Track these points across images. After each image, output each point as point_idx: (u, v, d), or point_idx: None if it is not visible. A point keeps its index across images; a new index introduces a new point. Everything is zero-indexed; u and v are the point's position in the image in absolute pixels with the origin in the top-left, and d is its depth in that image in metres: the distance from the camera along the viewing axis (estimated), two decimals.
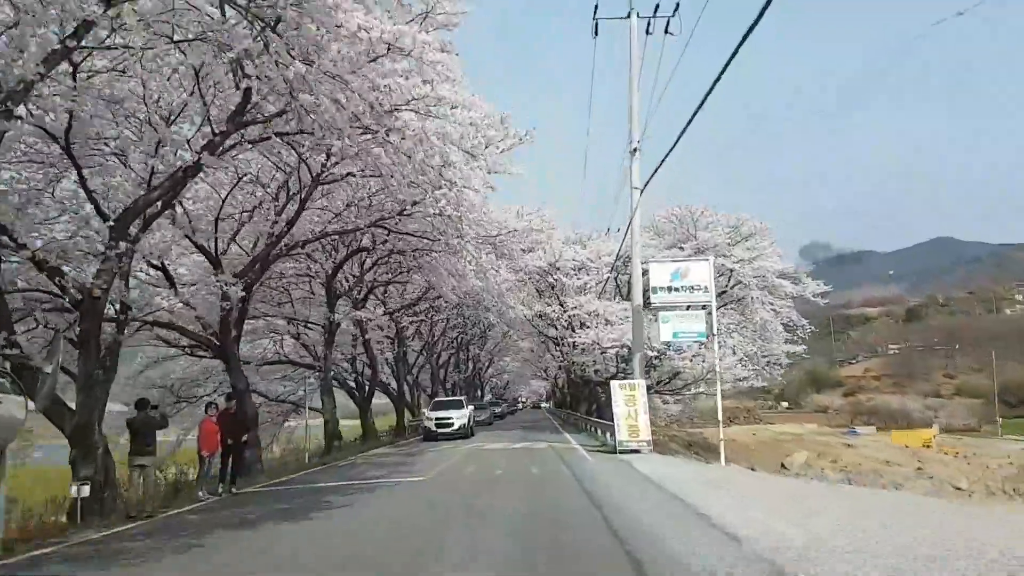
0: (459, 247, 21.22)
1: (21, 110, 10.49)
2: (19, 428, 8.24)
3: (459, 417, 29.89)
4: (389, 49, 11.21)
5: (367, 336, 29.30)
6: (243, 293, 16.50)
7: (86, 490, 11.14)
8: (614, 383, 21.51)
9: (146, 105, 13.00)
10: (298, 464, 21.67)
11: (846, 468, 31.94)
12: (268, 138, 14.03)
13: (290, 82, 9.26)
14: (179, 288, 17.72)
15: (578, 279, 36.45)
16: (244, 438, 14.84)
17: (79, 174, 12.32)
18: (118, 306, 14.07)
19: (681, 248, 33.40)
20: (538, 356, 53.45)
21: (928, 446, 46.73)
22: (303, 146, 16.61)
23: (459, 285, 25.80)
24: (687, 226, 35.34)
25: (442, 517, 10.28)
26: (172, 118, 13.51)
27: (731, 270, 33.50)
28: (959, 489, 27.72)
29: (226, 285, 15.41)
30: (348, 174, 17.58)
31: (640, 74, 22.74)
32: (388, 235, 22.44)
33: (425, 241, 21.91)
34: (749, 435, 51.74)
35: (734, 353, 32.54)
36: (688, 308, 21.66)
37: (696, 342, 25.66)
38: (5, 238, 11.49)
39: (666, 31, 22.40)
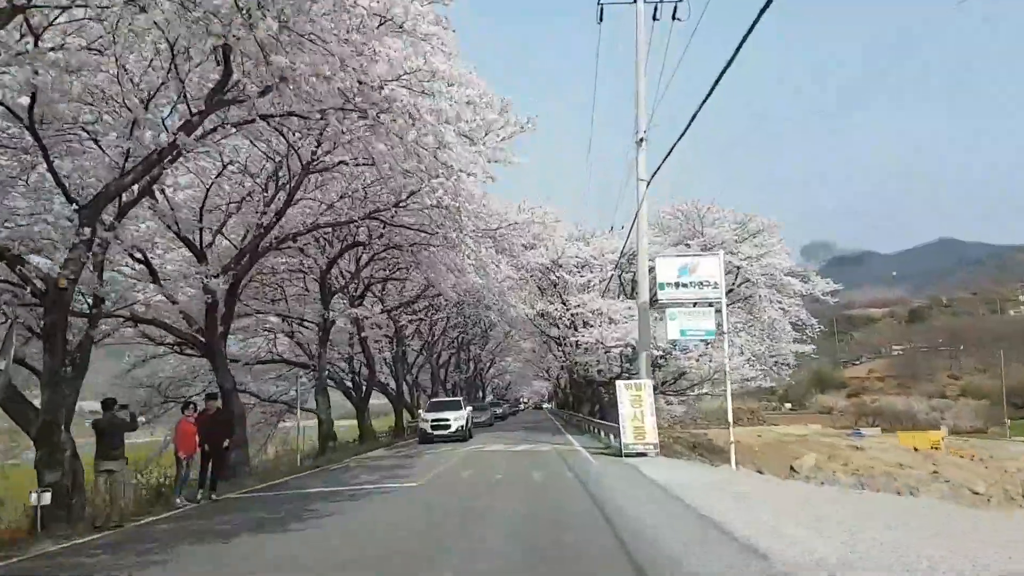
0: (458, 240, 20.28)
1: None
2: None
3: (456, 419, 28.67)
4: (382, 23, 10.37)
5: (364, 334, 28.38)
6: (225, 286, 15.59)
7: (47, 497, 10.24)
8: (620, 383, 20.59)
9: (119, 83, 12.13)
10: (289, 467, 20.75)
11: (858, 471, 30.96)
12: (252, 120, 13.13)
13: (262, 42, 8.33)
14: (164, 282, 16.82)
15: (581, 276, 35.53)
16: (226, 443, 13.86)
17: (44, 154, 11.40)
18: (91, 299, 13.19)
19: (687, 245, 32.43)
20: (540, 356, 52.67)
21: (936, 448, 45.77)
22: (293, 133, 15.77)
23: (459, 281, 24.89)
24: (693, 222, 34.38)
25: (436, 536, 9.33)
26: (149, 96, 12.61)
27: (738, 267, 32.53)
28: (977, 494, 26.73)
29: (206, 277, 14.47)
30: (340, 162, 16.67)
31: (647, 60, 21.83)
32: (384, 228, 21.55)
33: (423, 235, 21.01)
34: (754, 436, 50.71)
35: (742, 353, 31.61)
36: (695, 305, 20.76)
37: (704, 341, 24.75)
38: None
39: (674, 16, 21.56)
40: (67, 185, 12.29)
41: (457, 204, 17.40)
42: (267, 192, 18.16)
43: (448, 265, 23.15)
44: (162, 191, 15.53)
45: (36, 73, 9.07)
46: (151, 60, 12.15)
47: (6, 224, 12.73)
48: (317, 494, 13.51)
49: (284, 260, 24.39)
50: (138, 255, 16.03)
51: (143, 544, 9.05)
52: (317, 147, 16.32)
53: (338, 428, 27.60)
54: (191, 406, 13.51)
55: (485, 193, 21.96)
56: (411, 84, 10.82)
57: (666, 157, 18.41)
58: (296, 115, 13.27)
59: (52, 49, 10.48)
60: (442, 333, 45.03)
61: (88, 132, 12.95)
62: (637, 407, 19.39)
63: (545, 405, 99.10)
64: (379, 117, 11.57)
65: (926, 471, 31.21)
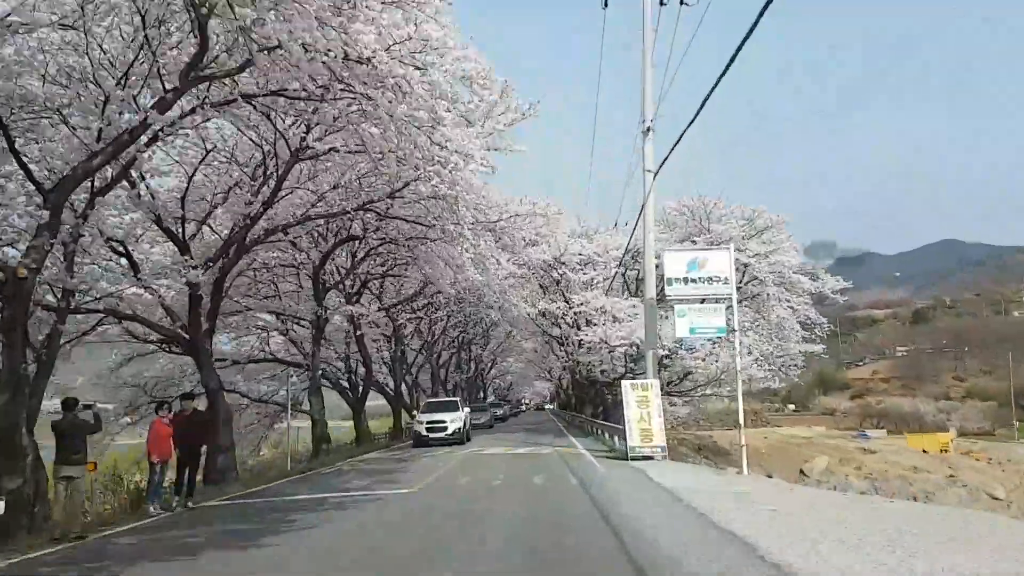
0: (456, 233, 19.31)
1: None
2: None
3: (453, 420, 27.26)
4: None
5: (360, 333, 27.45)
6: (208, 279, 14.64)
7: (1, 506, 9.30)
8: (626, 383, 19.64)
9: (88, 57, 11.23)
10: (279, 471, 19.81)
11: (871, 475, 30.00)
12: (234, 100, 12.25)
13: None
14: (146, 276, 15.87)
15: (584, 274, 34.59)
16: (203, 448, 12.91)
17: (4, 133, 10.48)
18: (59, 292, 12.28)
19: (693, 241, 31.43)
20: (542, 357, 51.78)
21: (946, 451, 44.92)
22: (281, 117, 14.87)
23: (457, 278, 23.90)
24: (700, 218, 33.39)
25: (429, 553, 8.37)
26: (122, 74, 11.70)
27: (746, 265, 31.55)
28: (996, 499, 25.79)
29: (184, 268, 13.53)
30: (331, 149, 15.73)
31: (654, 47, 20.89)
32: (379, 221, 20.64)
33: (419, 227, 20.08)
34: (760, 438, 49.74)
35: (750, 352, 30.63)
36: (703, 302, 19.82)
37: (713, 339, 23.82)
38: None
39: (682, 1, 20.66)
40: (33, 171, 11.41)
41: (455, 193, 16.46)
42: (255, 182, 17.26)
43: (446, 260, 22.16)
44: (142, 177, 14.62)
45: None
46: (121, 31, 11.26)
47: None
48: (302, 502, 12.55)
49: (276, 255, 23.50)
50: (119, 248, 15.14)
51: (99, 561, 8.11)
52: (307, 133, 15.40)
53: (337, 429, 26.67)
54: (166, 406, 12.55)
55: (485, 184, 21.06)
56: (402, 55, 9.89)
57: (675, 145, 17.40)
58: (281, 95, 12.39)
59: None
60: (442, 332, 44.09)
61: (60, 114, 12.06)
62: (644, 408, 18.43)
63: (547, 406, 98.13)
64: (368, 97, 10.68)
65: (942, 475, 30.22)
